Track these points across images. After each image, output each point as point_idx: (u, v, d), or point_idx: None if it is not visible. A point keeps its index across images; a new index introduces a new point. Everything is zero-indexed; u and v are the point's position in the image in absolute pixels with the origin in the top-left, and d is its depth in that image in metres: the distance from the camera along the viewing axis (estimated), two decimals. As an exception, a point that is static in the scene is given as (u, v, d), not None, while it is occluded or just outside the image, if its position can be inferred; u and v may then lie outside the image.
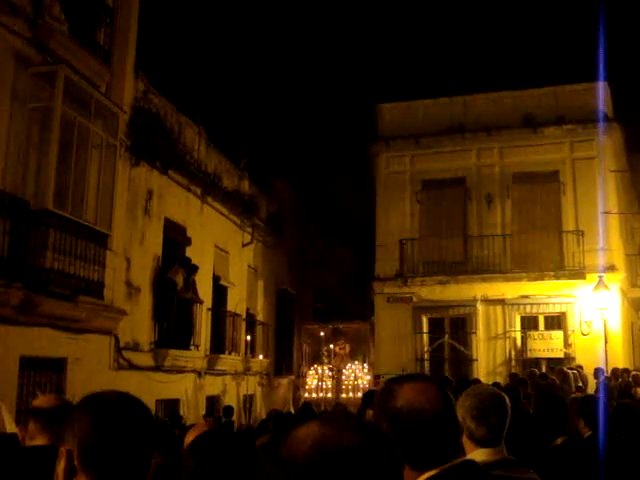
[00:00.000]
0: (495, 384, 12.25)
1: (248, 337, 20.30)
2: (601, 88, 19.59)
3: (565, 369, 15.68)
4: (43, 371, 11.00)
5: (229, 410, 14.75)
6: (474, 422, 3.01)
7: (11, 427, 5.36)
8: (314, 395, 22.39)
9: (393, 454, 1.36)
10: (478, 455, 2.87)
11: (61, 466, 1.77)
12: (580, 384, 14.55)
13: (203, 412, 16.09)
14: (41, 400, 3.86)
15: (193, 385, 16.43)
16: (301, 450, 1.30)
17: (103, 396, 1.88)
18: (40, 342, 10.64)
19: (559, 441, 4.47)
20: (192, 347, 16.07)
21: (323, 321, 24.87)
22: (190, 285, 15.86)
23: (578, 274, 18.57)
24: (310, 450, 1.29)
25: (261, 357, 21.05)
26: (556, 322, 19.20)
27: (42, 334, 10.66)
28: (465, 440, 3.00)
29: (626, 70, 35.39)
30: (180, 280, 15.46)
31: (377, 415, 2.23)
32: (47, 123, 10.74)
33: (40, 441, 3.45)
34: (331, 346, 23.80)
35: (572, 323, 18.84)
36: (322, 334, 23.82)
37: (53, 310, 10.63)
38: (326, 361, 23.36)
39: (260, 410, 19.97)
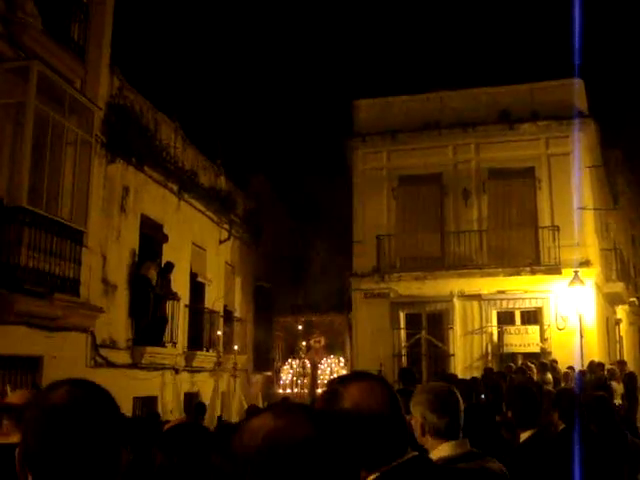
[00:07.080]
0: (473, 379, 12.35)
1: (225, 333, 20.23)
2: (576, 84, 19.78)
3: (545, 361, 15.93)
4: (18, 370, 10.91)
5: (201, 407, 14.70)
6: (435, 414, 3.00)
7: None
8: (288, 390, 22.30)
9: (346, 446, 1.35)
10: (443, 450, 2.89)
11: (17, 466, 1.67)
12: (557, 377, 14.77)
13: (181, 409, 16.00)
14: (14, 396, 3.82)
15: (170, 382, 16.38)
16: (252, 442, 1.27)
17: (54, 393, 1.70)
18: (15, 340, 10.55)
19: (528, 434, 4.51)
20: (169, 344, 16.02)
21: (298, 314, 24.78)
22: (164, 281, 15.77)
23: (554, 269, 18.70)
24: (262, 442, 1.26)
25: (238, 353, 20.98)
26: (532, 317, 19.34)
27: (17, 332, 10.56)
28: (427, 437, 2.99)
29: (600, 66, 35.70)
30: (153, 275, 15.38)
31: None
32: (20, 119, 10.63)
33: (16, 438, 3.41)
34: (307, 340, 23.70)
35: (548, 318, 18.97)
36: (300, 327, 23.71)
37: (28, 308, 10.54)
38: (303, 356, 23.25)
39: (237, 406, 19.89)
